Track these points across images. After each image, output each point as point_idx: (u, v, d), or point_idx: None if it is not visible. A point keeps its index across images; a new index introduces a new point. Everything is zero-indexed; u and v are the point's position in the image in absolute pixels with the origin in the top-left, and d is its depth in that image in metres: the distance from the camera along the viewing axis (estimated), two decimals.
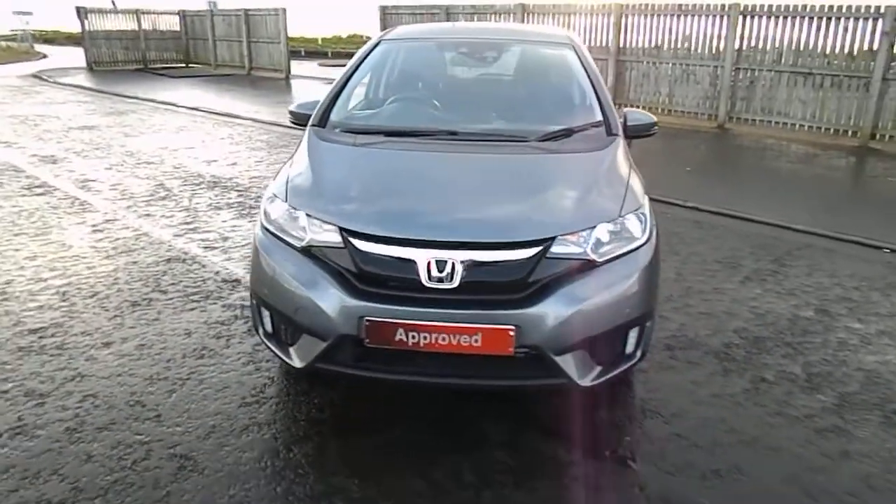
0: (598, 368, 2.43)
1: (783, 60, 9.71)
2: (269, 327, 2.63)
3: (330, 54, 28.74)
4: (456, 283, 2.28)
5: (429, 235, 2.33)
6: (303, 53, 27.61)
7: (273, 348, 2.61)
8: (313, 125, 3.10)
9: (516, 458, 2.43)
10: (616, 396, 2.82)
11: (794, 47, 9.55)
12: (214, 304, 3.67)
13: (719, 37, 10.25)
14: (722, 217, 5.66)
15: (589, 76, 3.37)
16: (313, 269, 2.42)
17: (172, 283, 3.93)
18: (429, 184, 2.64)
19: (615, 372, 2.47)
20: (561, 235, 2.36)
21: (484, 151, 2.85)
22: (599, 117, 3.11)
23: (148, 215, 5.35)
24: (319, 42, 33.38)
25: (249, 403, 2.72)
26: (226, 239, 4.75)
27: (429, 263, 2.28)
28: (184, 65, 21.42)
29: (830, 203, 6.45)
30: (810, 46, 9.41)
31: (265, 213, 2.65)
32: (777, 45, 9.71)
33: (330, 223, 2.43)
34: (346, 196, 2.56)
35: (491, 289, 2.31)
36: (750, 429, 2.64)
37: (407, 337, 2.29)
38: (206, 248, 4.57)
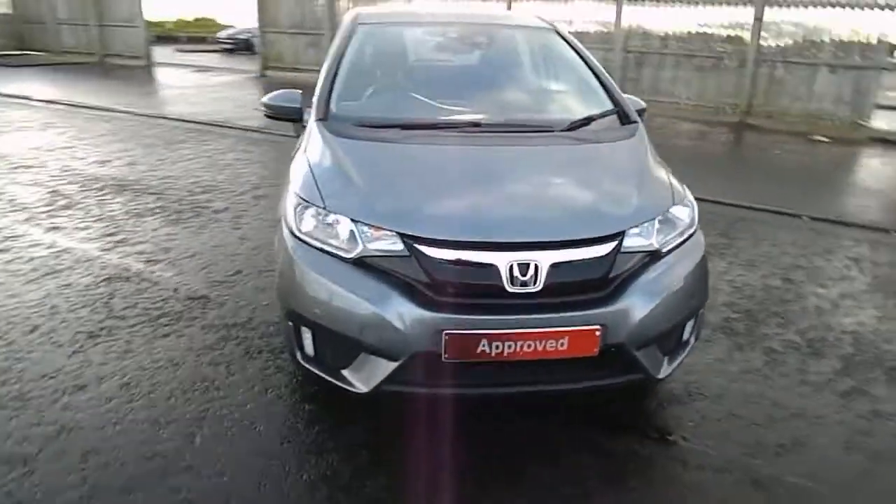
0: (666, 359, 2.40)
1: (668, 44, 10.35)
2: (310, 350, 2.33)
3: (186, 39, 26.64)
4: (540, 285, 2.14)
5: (508, 237, 2.16)
6: (154, 39, 25.32)
7: (321, 373, 2.32)
8: (320, 119, 2.77)
9: (600, 461, 2.35)
10: (656, 383, 2.82)
11: (675, 32, 10.21)
12: (191, 326, 3.22)
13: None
14: None
15: (586, 61, 3.32)
16: (374, 281, 2.16)
17: (128, 307, 3.40)
18: (482, 181, 2.44)
19: (679, 360, 2.46)
20: (629, 228, 2.29)
21: (518, 143, 2.70)
22: (611, 104, 3.07)
23: (56, 228, 4.60)
24: (170, 26, 30.81)
25: (290, 439, 2.41)
26: (167, 251, 4.20)
27: (511, 267, 2.12)
28: (17, 52, 18.82)
29: (739, 177, 6.99)
30: (692, 31, 10.11)
31: (298, 220, 2.33)
32: (661, 29, 10.32)
33: (387, 229, 2.18)
34: (396, 198, 2.31)
35: (574, 289, 2.19)
36: (788, 400, 2.76)
37: (490, 348, 2.12)
38: (147, 262, 4.01)
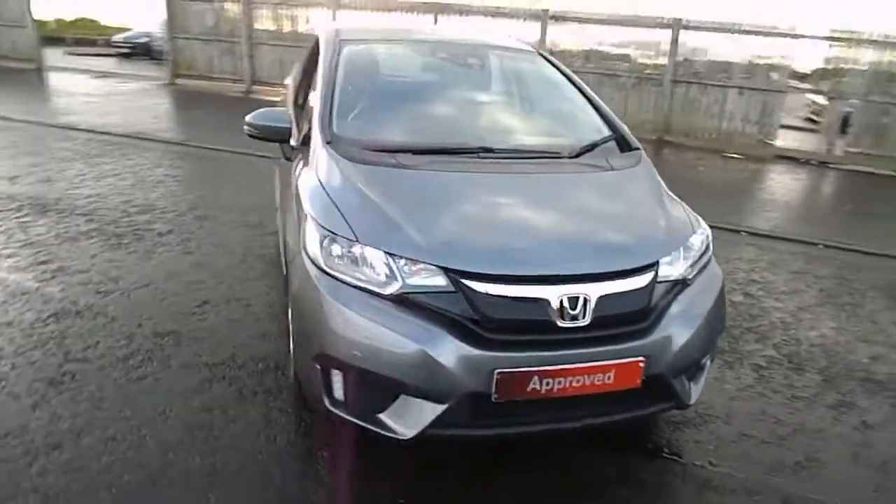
0: (691, 384, 2.43)
1: (589, 63, 10.73)
2: (340, 394, 2.16)
3: (73, 41, 24.72)
4: (588, 319, 2.10)
5: (559, 269, 2.10)
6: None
7: (353, 419, 2.15)
8: (328, 142, 2.59)
9: (636, 492, 2.33)
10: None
11: (598, 50, 10.62)
12: (167, 367, 2.91)
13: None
14: None
15: (576, 85, 3.34)
16: (417, 318, 2.04)
17: (88, 347, 3.04)
18: (516, 211, 2.37)
19: (700, 384, 2.50)
20: (663, 257, 2.30)
21: (538, 171, 2.63)
22: (606, 128, 3.09)
23: None
24: (51, 26, 28.49)
25: (314, 491, 2.22)
26: (116, 280, 3.81)
27: (561, 301, 2.06)
28: None
29: (678, 194, 7.31)
30: (614, 51, 10.55)
31: (325, 254, 2.15)
32: (584, 48, 10.70)
33: (430, 264, 2.07)
34: (436, 230, 2.19)
35: (619, 321, 2.16)
36: (787, 416, 2.87)
37: (541, 385, 2.05)
38: (97, 293, 3.61)
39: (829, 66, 9.65)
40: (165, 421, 2.53)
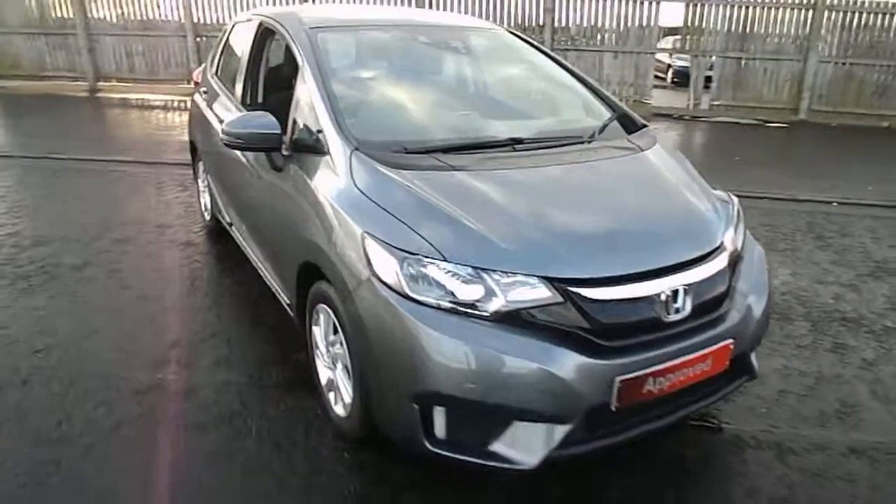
0: (753, 355, 2.46)
1: None
2: (442, 432, 1.94)
3: None
4: (688, 309, 2.03)
5: (658, 262, 2.01)
6: None
7: (461, 457, 1.94)
8: (360, 149, 2.27)
9: (725, 469, 2.34)
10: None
11: None
12: (170, 429, 2.47)
13: None
14: None
15: (556, 61, 3.23)
16: (525, 336, 1.86)
17: (63, 421, 2.49)
18: (587, 206, 2.23)
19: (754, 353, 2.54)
20: (726, 234, 2.29)
21: (581, 160, 2.46)
22: (602, 105, 3.01)
23: None
24: None
25: None
26: (51, 333, 3.16)
27: (666, 294, 1.97)
28: None
29: None
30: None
31: (408, 279, 1.89)
32: None
33: (530, 275, 1.88)
34: (522, 236, 1.99)
35: (710, 306, 2.12)
36: (806, 367, 3.03)
37: (654, 385, 1.97)
38: (34, 353, 2.98)
39: (690, 26, 10.35)
40: (198, 488, 2.14)
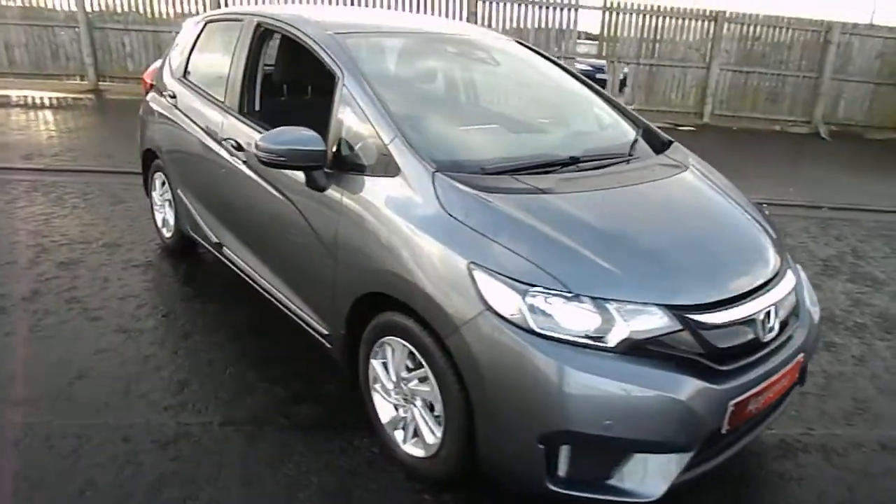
0: None
1: None
2: (564, 471, 1.86)
3: None
4: (777, 326, 2.08)
5: (754, 282, 2.05)
6: None
7: (583, 494, 1.87)
8: (441, 171, 2.12)
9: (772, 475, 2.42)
10: None
11: None
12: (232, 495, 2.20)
13: None
14: None
15: (570, 73, 3.21)
16: (651, 367, 1.83)
17: (97, 481, 2.15)
18: (677, 228, 2.21)
19: None
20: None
21: (641, 179, 2.43)
22: (625, 120, 3.03)
23: None
24: None
25: None
26: (27, 380, 2.73)
27: (763, 315, 2.01)
28: None
29: None
30: None
31: (532, 312, 1.79)
32: None
33: (650, 304, 1.84)
34: (635, 264, 1.94)
35: (788, 322, 2.19)
36: (811, 366, 3.22)
37: (754, 404, 2.01)
38: (15, 404, 2.56)
39: (606, 33, 10.79)
40: None
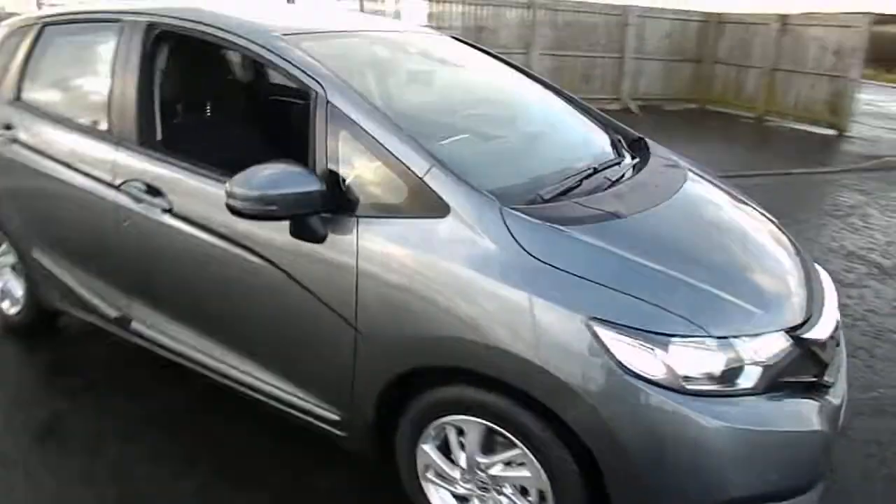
0: None
1: None
2: None
3: None
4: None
5: (822, 293, 1.96)
6: None
7: None
8: (510, 205, 1.69)
9: None
10: None
11: None
12: None
13: None
14: None
15: (519, 70, 2.93)
16: (791, 399, 1.64)
17: None
18: (740, 243, 2.01)
19: None
20: None
21: (670, 189, 2.14)
22: (588, 118, 2.80)
23: None
24: None
25: None
26: None
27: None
28: None
29: None
30: None
31: (676, 366, 1.48)
32: None
33: (774, 332, 1.64)
34: (747, 292, 1.70)
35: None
36: None
37: None
38: None
39: (435, 24, 10.66)
40: None
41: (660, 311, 1.53)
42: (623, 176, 2.17)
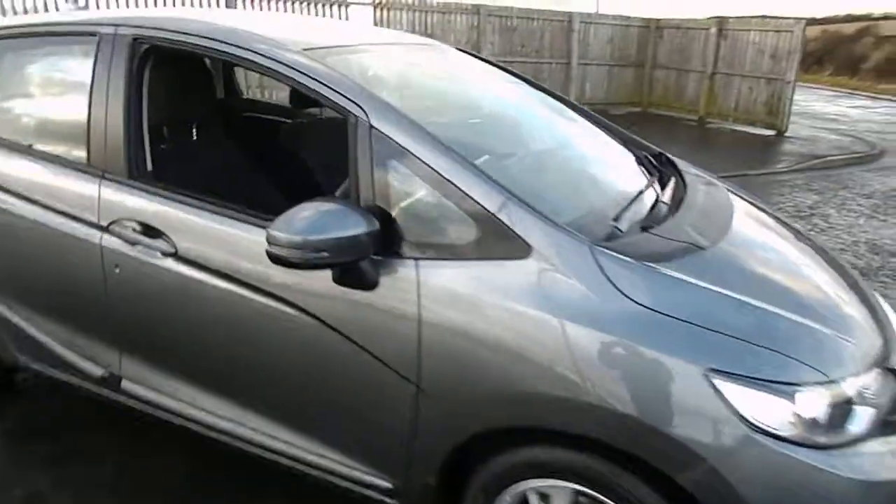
0: None
1: None
2: None
3: None
4: None
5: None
6: None
7: None
8: (601, 244, 1.51)
9: None
10: None
11: None
12: None
13: None
14: None
15: (523, 79, 2.77)
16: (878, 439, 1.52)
17: None
18: (805, 266, 1.91)
19: None
20: None
21: (720, 210, 2.03)
22: (609, 134, 2.67)
23: None
24: None
25: None
26: None
27: None
28: None
29: None
30: None
31: (809, 420, 1.34)
32: None
33: (871, 367, 1.53)
34: (848, 327, 1.59)
35: None
36: None
37: None
38: None
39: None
40: None
41: (779, 357, 1.38)
42: (678, 199, 2.02)
